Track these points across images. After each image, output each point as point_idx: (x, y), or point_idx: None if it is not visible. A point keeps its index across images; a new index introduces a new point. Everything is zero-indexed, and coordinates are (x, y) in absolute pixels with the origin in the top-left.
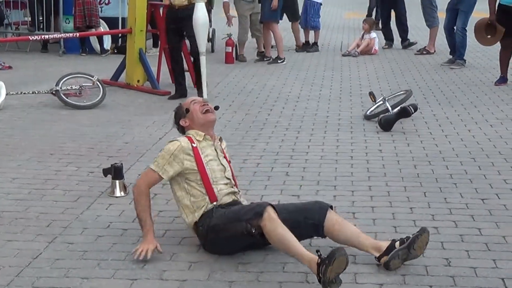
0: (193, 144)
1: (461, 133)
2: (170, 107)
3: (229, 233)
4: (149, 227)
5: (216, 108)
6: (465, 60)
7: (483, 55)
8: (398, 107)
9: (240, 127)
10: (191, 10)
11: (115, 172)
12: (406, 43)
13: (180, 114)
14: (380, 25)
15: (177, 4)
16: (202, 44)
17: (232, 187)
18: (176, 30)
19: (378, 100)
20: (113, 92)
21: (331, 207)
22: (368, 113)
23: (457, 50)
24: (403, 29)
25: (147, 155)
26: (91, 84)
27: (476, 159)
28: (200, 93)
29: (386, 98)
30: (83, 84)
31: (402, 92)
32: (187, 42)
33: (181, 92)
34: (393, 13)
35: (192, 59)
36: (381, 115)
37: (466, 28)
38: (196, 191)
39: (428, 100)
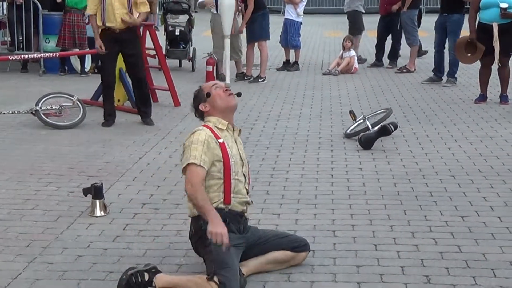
0: (218, 136)
1: (441, 151)
2: (151, 127)
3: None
4: (215, 213)
5: (239, 94)
6: (456, 78)
7: (462, 73)
8: (378, 126)
9: None
10: (132, 32)
11: (95, 191)
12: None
13: (200, 98)
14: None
15: (118, 27)
16: (228, 27)
17: (247, 189)
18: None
19: (359, 119)
20: (93, 112)
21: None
22: (348, 131)
23: (449, 68)
24: (394, 52)
25: (127, 175)
26: (71, 104)
27: (456, 177)
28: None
29: (367, 117)
30: (63, 104)
31: (382, 111)
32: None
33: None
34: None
35: (133, 84)
36: (361, 134)
37: None
38: (214, 181)
39: (408, 118)
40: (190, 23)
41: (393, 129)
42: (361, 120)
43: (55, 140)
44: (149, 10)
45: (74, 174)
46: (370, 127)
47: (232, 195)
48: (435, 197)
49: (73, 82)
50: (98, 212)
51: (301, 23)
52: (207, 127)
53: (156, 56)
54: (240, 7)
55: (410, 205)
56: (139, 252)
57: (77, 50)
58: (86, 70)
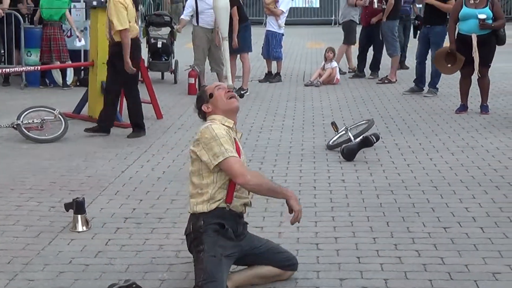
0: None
1: (423, 161)
2: (133, 140)
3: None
4: (286, 189)
5: (241, 96)
6: (437, 89)
7: (443, 83)
8: (360, 137)
9: None
10: (120, 46)
11: (77, 206)
12: (377, 74)
13: (203, 98)
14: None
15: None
16: (224, 28)
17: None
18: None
19: (341, 130)
20: (75, 125)
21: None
22: (330, 143)
23: (431, 79)
24: (375, 63)
25: (109, 189)
26: (53, 118)
27: (438, 188)
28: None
29: (348, 128)
30: (45, 118)
31: (364, 122)
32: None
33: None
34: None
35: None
36: (344, 145)
37: None
38: (222, 181)
39: (390, 129)
40: (172, 35)
41: (375, 141)
42: (343, 132)
43: (37, 154)
44: (118, 28)
45: (55, 188)
46: (352, 138)
47: (235, 193)
48: (418, 208)
49: (55, 96)
50: (80, 227)
51: (282, 35)
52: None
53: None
54: None
55: (392, 216)
56: (121, 267)
57: (58, 63)
58: (68, 83)
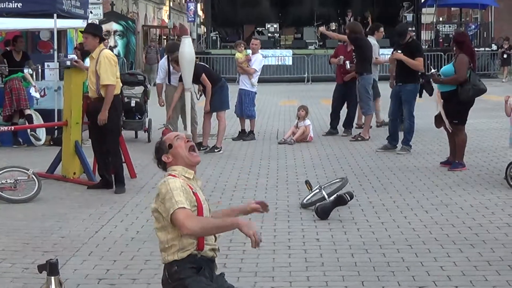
0: (190, 185)
1: (397, 220)
2: (107, 200)
3: None
4: (233, 218)
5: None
6: (411, 146)
7: (416, 141)
8: (335, 195)
9: None
10: (97, 105)
11: (50, 268)
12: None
13: (162, 149)
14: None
15: (92, 96)
16: (188, 80)
17: (215, 236)
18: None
19: (315, 189)
20: (49, 185)
21: None
22: (304, 201)
23: (404, 136)
24: (349, 120)
25: (83, 250)
26: (27, 178)
27: (413, 246)
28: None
29: (322, 186)
30: (18, 178)
31: (338, 180)
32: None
33: (104, 182)
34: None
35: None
36: (318, 204)
37: (413, 115)
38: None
39: (364, 187)
40: (145, 94)
41: (349, 199)
42: (317, 190)
43: (10, 215)
44: (106, 83)
45: (29, 249)
46: (326, 196)
47: (205, 241)
48: (393, 267)
49: (29, 155)
50: None
51: (255, 93)
52: (174, 176)
53: None
54: (200, 89)
55: (368, 276)
56: None
57: (25, 112)
58: (42, 142)
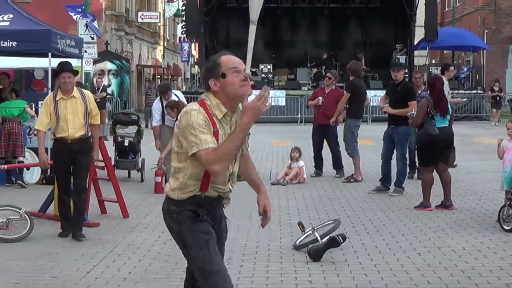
0: (214, 123)
1: (389, 262)
2: (99, 239)
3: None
4: (234, 130)
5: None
6: (403, 188)
7: (409, 183)
8: (327, 237)
9: (170, 259)
10: (84, 144)
11: None
12: (342, 173)
13: (213, 72)
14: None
15: (70, 138)
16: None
17: (231, 188)
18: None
19: (307, 230)
20: (41, 224)
21: None
22: (297, 243)
23: (397, 178)
24: (335, 160)
25: None
26: (19, 217)
27: None
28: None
29: (315, 228)
30: (10, 217)
31: (330, 222)
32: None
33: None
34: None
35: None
36: (310, 245)
37: (406, 157)
38: (194, 170)
39: (357, 229)
40: (139, 134)
41: (341, 241)
42: (310, 232)
43: (1, 254)
44: (99, 122)
45: None
46: (319, 238)
47: (210, 184)
48: None
49: (21, 194)
50: None
51: (249, 134)
52: (203, 105)
53: (105, 167)
54: None
55: None
56: None
57: (18, 159)
58: (34, 181)
